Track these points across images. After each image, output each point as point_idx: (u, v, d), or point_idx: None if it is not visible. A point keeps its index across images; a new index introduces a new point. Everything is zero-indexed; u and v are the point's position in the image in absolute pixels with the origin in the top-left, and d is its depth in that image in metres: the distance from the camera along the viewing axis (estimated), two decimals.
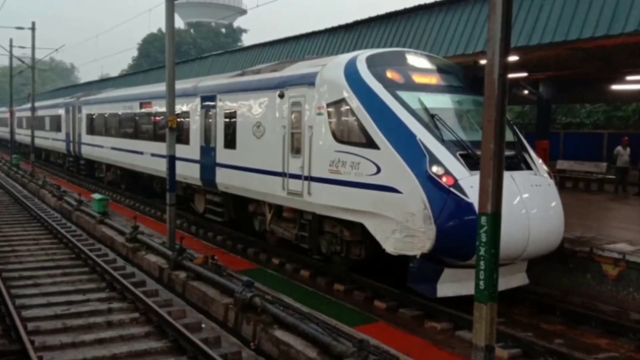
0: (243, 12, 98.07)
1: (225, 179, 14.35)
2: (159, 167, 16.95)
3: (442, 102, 10.35)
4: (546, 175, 10.15)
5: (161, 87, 15.54)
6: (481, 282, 5.29)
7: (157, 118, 18.74)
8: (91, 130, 26.15)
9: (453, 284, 9.32)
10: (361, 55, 10.88)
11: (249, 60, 24.22)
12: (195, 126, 15.88)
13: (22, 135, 42.98)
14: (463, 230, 8.51)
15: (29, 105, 34.93)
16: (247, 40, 74.58)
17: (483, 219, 5.24)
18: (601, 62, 15.17)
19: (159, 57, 62.62)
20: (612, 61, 15.05)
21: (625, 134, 22.23)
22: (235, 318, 8.44)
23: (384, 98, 9.91)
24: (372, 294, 10.64)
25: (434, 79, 10.81)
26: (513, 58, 12.88)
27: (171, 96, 11.88)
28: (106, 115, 24.10)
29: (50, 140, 34.61)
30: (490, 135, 5.19)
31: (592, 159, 22.41)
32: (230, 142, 14.09)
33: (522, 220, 8.91)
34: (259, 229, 13.91)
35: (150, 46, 72.18)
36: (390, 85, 10.15)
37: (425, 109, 9.86)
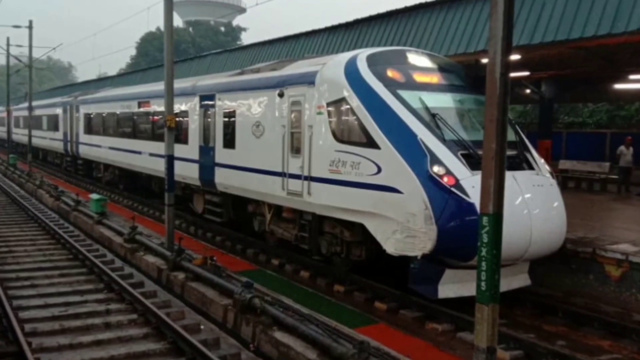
0: (242, 10, 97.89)
1: (224, 179, 14.27)
2: (158, 167, 16.87)
3: (443, 102, 10.28)
4: (548, 175, 10.10)
5: (159, 86, 15.44)
6: (483, 283, 5.25)
7: (156, 117, 18.67)
8: (89, 130, 26.05)
9: (454, 285, 9.27)
10: (362, 54, 10.81)
11: (248, 59, 24.15)
12: (194, 126, 15.81)
13: (20, 134, 42.88)
14: (464, 231, 8.47)
15: (26, 104, 34.83)
16: (246, 39, 74.48)
17: (484, 220, 5.21)
18: (604, 61, 15.12)
19: (157, 55, 62.52)
20: (615, 60, 14.99)
21: (628, 134, 22.11)
22: (235, 319, 8.37)
23: (384, 97, 9.84)
24: (372, 295, 10.58)
25: (435, 78, 10.73)
26: (515, 57, 12.85)
27: (170, 95, 11.81)
28: (104, 114, 24.02)
29: (47, 139, 34.51)
30: (492, 134, 5.15)
31: (595, 159, 22.29)
32: (230, 141, 14.02)
33: (524, 220, 8.86)
34: (259, 229, 13.84)
35: (149, 45, 71.92)
36: (391, 84, 10.08)
37: (427, 108, 9.79)
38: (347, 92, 10.20)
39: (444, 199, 8.71)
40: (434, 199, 8.73)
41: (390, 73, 10.32)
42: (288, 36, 22.19)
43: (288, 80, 11.90)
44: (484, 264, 5.24)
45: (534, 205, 9.09)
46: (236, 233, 15.16)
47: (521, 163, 9.90)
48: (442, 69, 11.13)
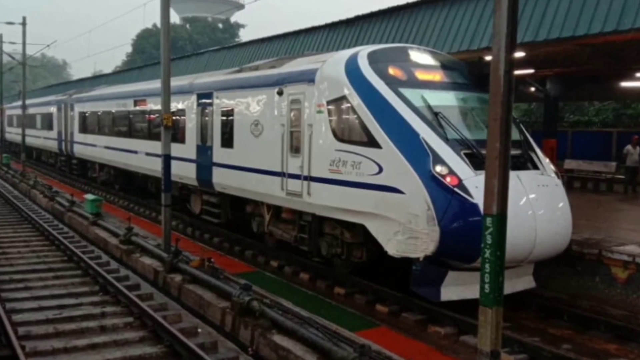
0: (240, 6, 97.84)
1: (222, 179, 14.16)
2: (154, 166, 16.72)
3: (446, 100, 10.19)
4: (553, 175, 10.03)
5: (156, 84, 15.37)
6: (486, 286, 5.24)
7: (152, 116, 18.56)
8: (84, 129, 25.92)
9: (457, 288, 9.22)
10: (363, 51, 10.71)
11: (246, 56, 24.01)
12: (191, 124, 15.70)
13: (13, 133, 42.70)
14: (468, 232, 8.39)
15: (19, 102, 34.65)
16: (244, 35, 74.32)
17: (488, 220, 5.20)
18: (610, 58, 14.98)
19: (153, 53, 62.39)
20: (622, 57, 14.86)
21: (635, 133, 21.87)
22: (233, 322, 8.30)
23: (386, 95, 9.74)
24: (373, 297, 10.48)
25: (437, 76, 10.65)
26: (519, 54, 12.72)
27: (166, 93, 11.73)
28: (99, 113, 23.90)
29: (41, 139, 34.37)
30: (496, 133, 5.13)
31: (601, 158, 22.20)
32: (228, 141, 13.91)
33: (528, 221, 8.80)
34: (257, 230, 13.73)
35: (145, 42, 71.78)
36: (392, 82, 9.98)
37: (429, 107, 9.71)
38: (348, 90, 10.08)
39: (447, 200, 8.64)
40: (437, 199, 8.66)
41: (391, 71, 10.23)
42: (287, 33, 22.06)
43: (287, 78, 11.78)
44: (487, 265, 5.23)
45: (538, 206, 9.03)
46: (234, 234, 15.05)
47: (525, 163, 9.83)
48: (445, 66, 11.04)
